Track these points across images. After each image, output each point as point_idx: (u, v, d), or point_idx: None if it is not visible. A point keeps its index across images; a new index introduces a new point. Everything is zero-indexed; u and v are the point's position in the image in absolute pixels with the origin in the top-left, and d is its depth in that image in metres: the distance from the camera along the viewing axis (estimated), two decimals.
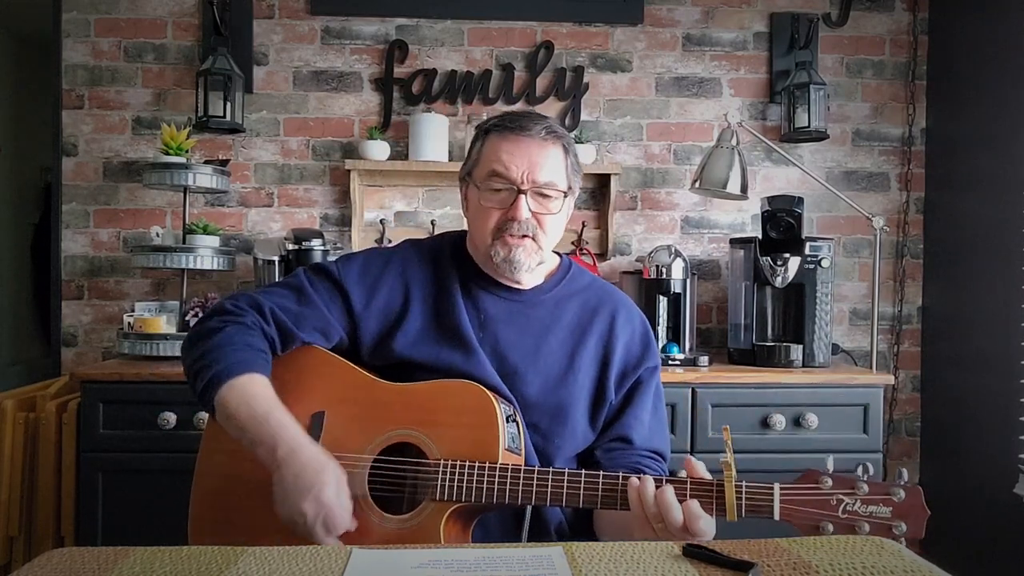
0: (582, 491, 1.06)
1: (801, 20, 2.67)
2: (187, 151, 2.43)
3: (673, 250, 2.37)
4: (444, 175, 2.57)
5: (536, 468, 1.09)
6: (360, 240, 2.60)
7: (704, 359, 2.30)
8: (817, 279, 2.31)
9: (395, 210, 2.67)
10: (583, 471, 1.08)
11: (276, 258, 2.34)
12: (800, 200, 2.38)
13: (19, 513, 2.18)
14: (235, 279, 2.62)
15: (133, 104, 2.63)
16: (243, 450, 1.15)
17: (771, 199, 2.41)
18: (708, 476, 1.05)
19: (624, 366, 1.27)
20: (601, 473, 1.07)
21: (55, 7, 2.61)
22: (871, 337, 2.45)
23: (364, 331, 1.24)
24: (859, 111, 2.74)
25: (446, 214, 2.66)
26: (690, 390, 2.15)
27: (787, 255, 2.29)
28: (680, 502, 1.00)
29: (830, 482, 0.98)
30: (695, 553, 0.88)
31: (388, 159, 2.54)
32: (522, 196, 1.20)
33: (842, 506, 0.97)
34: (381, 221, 2.61)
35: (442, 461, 1.10)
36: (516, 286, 1.28)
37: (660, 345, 2.33)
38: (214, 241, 2.44)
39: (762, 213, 2.41)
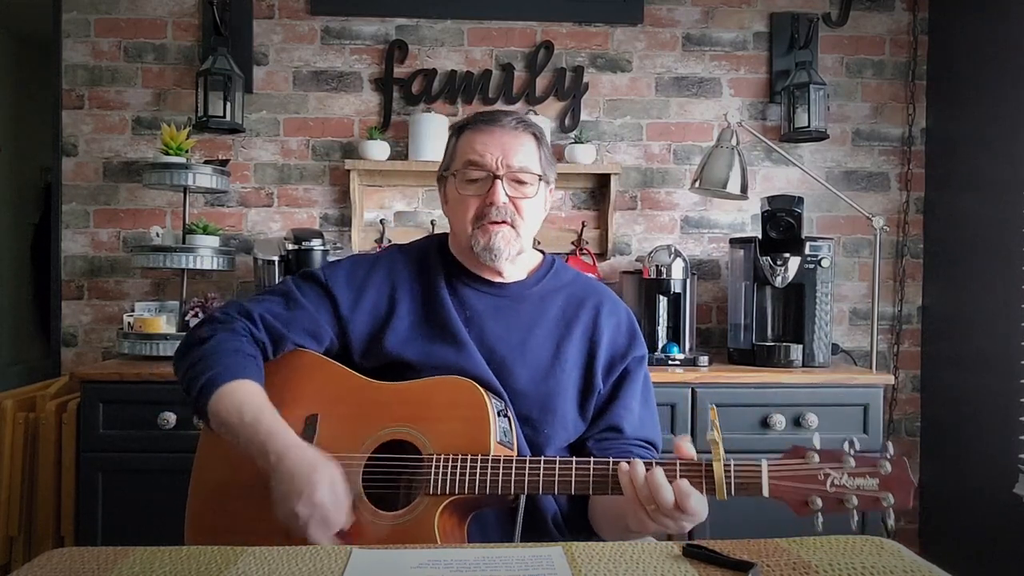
0: (573, 477, 1.07)
1: (801, 20, 2.67)
2: (187, 151, 2.43)
3: (673, 250, 2.37)
4: None
5: (528, 457, 1.10)
6: (360, 240, 2.60)
7: (704, 359, 2.30)
8: (817, 279, 2.31)
9: (395, 210, 2.67)
10: (574, 458, 1.09)
11: (276, 258, 2.33)
12: (800, 200, 2.38)
13: (19, 513, 2.18)
14: (235, 279, 2.62)
15: (133, 104, 2.63)
16: (238, 454, 1.16)
17: (771, 199, 2.41)
18: (695, 455, 1.06)
19: (611, 357, 1.28)
20: (592, 459, 1.08)
21: (55, 7, 2.61)
22: (871, 337, 2.45)
23: (353, 333, 1.26)
24: (859, 111, 2.74)
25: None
26: (690, 390, 2.15)
27: (787, 255, 2.29)
28: (670, 482, 1.01)
29: (817, 457, 0.99)
30: (695, 553, 0.88)
31: (388, 159, 2.54)
32: (498, 181, 1.23)
33: (830, 480, 0.97)
34: (381, 221, 2.61)
35: (435, 456, 1.10)
36: (500, 281, 1.30)
37: (660, 345, 2.34)
38: (214, 241, 2.44)
39: (762, 213, 2.41)
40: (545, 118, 2.60)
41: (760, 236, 2.39)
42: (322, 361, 1.25)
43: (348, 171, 2.55)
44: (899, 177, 2.75)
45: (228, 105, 2.48)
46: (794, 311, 2.36)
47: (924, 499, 2.71)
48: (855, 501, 0.96)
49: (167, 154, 2.39)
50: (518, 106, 2.65)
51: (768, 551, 0.89)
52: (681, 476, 1.02)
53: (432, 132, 2.51)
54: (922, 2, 2.72)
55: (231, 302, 1.29)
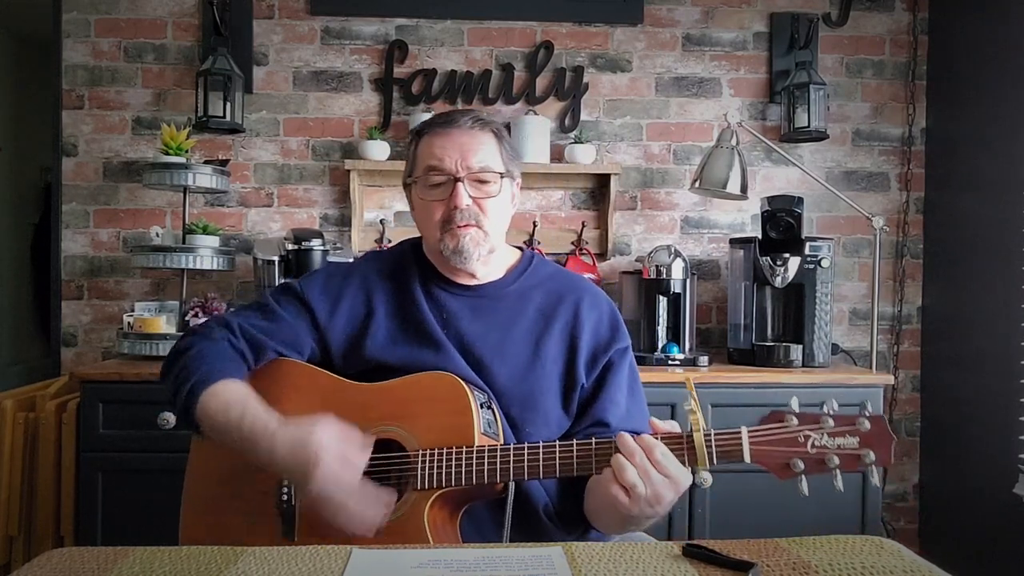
0: (557, 460, 1.07)
1: (801, 20, 2.67)
2: (187, 151, 2.43)
3: (673, 250, 2.37)
4: None
5: (511, 445, 1.10)
6: (360, 240, 2.61)
7: (704, 359, 2.30)
8: (817, 279, 2.31)
9: (395, 210, 2.67)
10: (557, 441, 1.10)
11: (276, 258, 2.33)
12: (800, 200, 2.38)
13: (19, 513, 2.18)
14: (235, 279, 2.62)
15: (133, 104, 2.63)
16: (228, 466, 1.17)
17: (771, 199, 2.41)
18: (677, 430, 1.06)
19: (593, 350, 1.27)
20: (575, 441, 1.09)
21: (55, 7, 2.61)
22: (871, 337, 2.45)
23: (332, 342, 1.27)
24: (859, 111, 2.74)
25: None
26: None
27: (787, 255, 2.30)
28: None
29: (796, 420, 0.99)
30: (695, 553, 0.88)
31: (388, 159, 2.54)
32: (460, 184, 1.22)
33: (810, 442, 0.98)
34: (381, 221, 2.61)
35: (420, 451, 1.11)
36: (474, 283, 1.30)
37: (660, 345, 2.34)
38: (214, 241, 2.44)
39: (762, 213, 2.41)
40: (545, 118, 2.60)
41: (760, 236, 2.39)
42: (303, 368, 1.25)
43: (348, 171, 2.55)
44: (899, 177, 2.75)
45: (228, 105, 2.48)
46: (794, 311, 2.36)
47: (924, 499, 2.71)
48: (836, 460, 0.97)
49: (167, 154, 2.39)
50: (518, 106, 2.65)
51: (768, 551, 0.89)
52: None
53: None
54: (922, 2, 2.72)
55: (211, 317, 1.31)
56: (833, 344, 2.48)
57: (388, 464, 1.14)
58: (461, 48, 2.67)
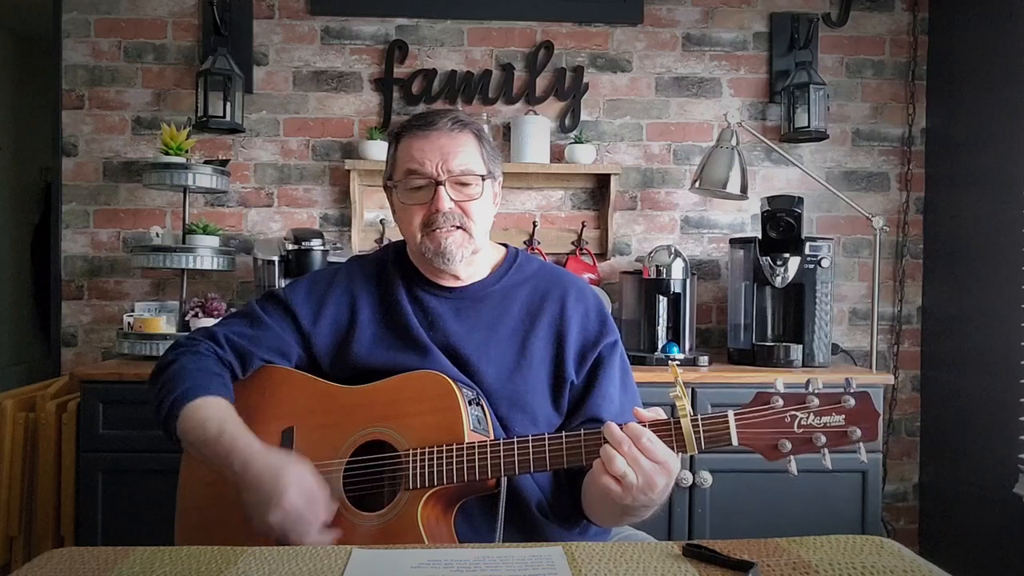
0: (547, 453, 1.07)
1: (801, 20, 2.67)
2: (187, 151, 2.43)
3: (673, 250, 2.37)
4: None
5: (501, 440, 1.10)
6: (360, 240, 2.60)
7: (704, 359, 2.30)
8: (817, 279, 2.31)
9: None
10: (546, 434, 1.09)
11: (276, 258, 2.33)
12: (800, 200, 2.38)
13: (19, 513, 2.18)
14: (235, 279, 2.62)
15: (133, 104, 2.63)
16: (220, 474, 1.17)
17: (771, 199, 2.41)
18: (663, 416, 1.06)
19: (582, 345, 1.27)
20: (564, 433, 1.08)
21: (55, 7, 2.61)
22: (871, 337, 2.45)
23: (318, 347, 1.27)
24: (859, 111, 2.74)
25: None
26: (690, 390, 2.15)
27: (787, 255, 2.30)
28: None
29: (781, 401, 1.00)
30: (695, 553, 0.88)
31: None
32: (441, 187, 1.22)
33: (796, 422, 0.98)
34: (381, 221, 2.61)
35: (411, 451, 1.11)
36: (458, 284, 1.29)
37: (660, 345, 2.33)
38: (214, 241, 2.44)
39: (762, 213, 2.41)
40: (545, 118, 2.60)
41: (760, 236, 2.39)
42: (291, 374, 1.26)
43: (348, 171, 2.55)
44: (899, 177, 2.75)
45: (228, 105, 2.48)
46: (794, 311, 2.36)
47: (924, 499, 2.71)
48: (823, 439, 0.97)
49: (167, 154, 2.39)
50: (518, 106, 2.65)
51: (768, 551, 0.89)
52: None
53: None
54: (922, 2, 2.72)
55: (196, 329, 1.32)
56: (833, 344, 2.48)
57: (379, 465, 1.14)
58: (461, 48, 2.67)
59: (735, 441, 1.00)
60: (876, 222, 2.39)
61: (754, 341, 2.34)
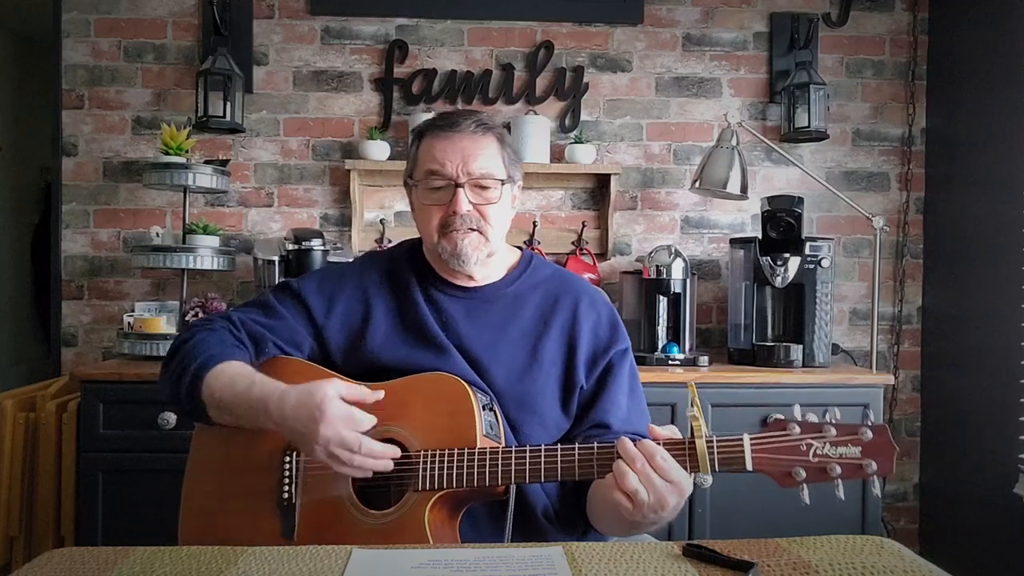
0: (559, 464, 1.07)
1: (801, 20, 2.67)
2: (187, 151, 2.43)
3: (673, 250, 2.37)
4: None
5: (513, 448, 1.10)
6: (360, 240, 2.60)
7: (704, 359, 2.30)
8: (817, 279, 2.31)
9: (395, 210, 2.67)
10: (559, 445, 1.09)
11: (276, 258, 2.33)
12: (800, 200, 2.38)
13: (19, 513, 2.18)
14: (235, 279, 2.62)
15: (133, 104, 2.63)
16: (228, 465, 1.17)
17: (771, 199, 2.41)
18: (677, 435, 1.05)
19: (592, 351, 1.27)
20: (576, 445, 1.08)
21: (55, 7, 2.61)
22: (871, 337, 2.45)
23: (330, 340, 1.27)
24: (859, 111, 2.74)
25: None
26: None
27: (787, 255, 2.29)
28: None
29: (798, 428, 0.99)
30: (695, 553, 0.88)
31: (388, 159, 2.54)
32: (460, 190, 1.22)
33: (812, 450, 0.98)
34: (381, 221, 2.61)
35: (421, 452, 1.11)
36: (472, 284, 1.30)
37: (660, 345, 2.33)
38: (214, 241, 2.44)
39: (762, 213, 2.41)
40: (545, 118, 2.60)
41: (760, 236, 2.39)
42: (305, 366, 1.25)
43: (348, 171, 2.55)
44: (899, 177, 2.75)
45: (228, 105, 2.48)
46: (794, 311, 2.36)
47: (924, 499, 2.71)
48: (838, 470, 0.97)
49: (167, 154, 2.39)
50: (518, 106, 2.65)
51: (768, 551, 0.90)
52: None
53: None
54: (922, 2, 2.72)
55: (211, 313, 1.31)
56: (833, 344, 2.48)
57: None
58: (461, 48, 2.67)
59: (749, 466, 0.99)
60: (876, 222, 2.39)
61: (754, 341, 2.34)
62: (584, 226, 2.62)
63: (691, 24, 2.71)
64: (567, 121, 2.67)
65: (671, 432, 1.05)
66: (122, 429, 2.09)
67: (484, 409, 1.15)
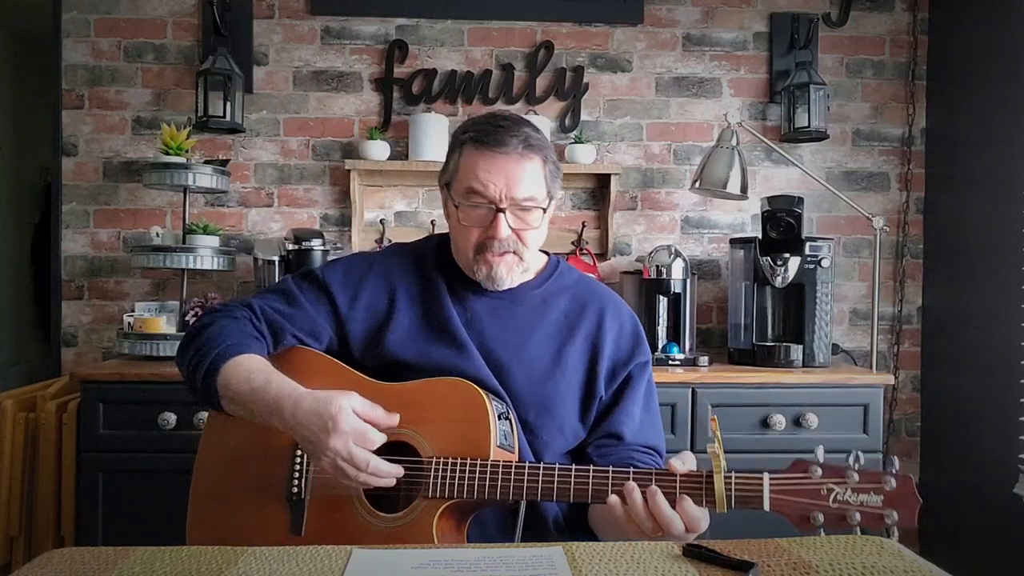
0: (572, 486, 1.06)
1: (801, 20, 2.67)
2: (187, 151, 2.43)
3: (673, 250, 2.37)
4: None
5: (527, 464, 1.09)
6: (360, 240, 2.60)
7: (704, 359, 2.30)
8: (817, 279, 2.31)
9: (395, 210, 2.67)
10: (573, 466, 1.08)
11: (276, 258, 2.34)
12: (800, 200, 2.38)
13: (19, 513, 2.18)
14: (235, 279, 2.62)
15: (133, 104, 2.63)
16: (240, 454, 1.16)
17: (771, 199, 2.41)
18: (694, 468, 1.05)
19: (614, 362, 1.27)
20: (591, 468, 1.07)
21: (55, 7, 2.61)
22: (871, 337, 2.45)
23: (352, 331, 1.25)
24: (859, 111, 2.74)
25: None
26: (690, 390, 2.14)
27: (787, 255, 2.29)
28: (672, 503, 1.00)
29: (820, 471, 0.97)
30: (695, 553, 0.88)
31: (388, 159, 2.54)
32: (501, 215, 1.19)
33: (832, 495, 0.96)
34: (381, 221, 2.61)
35: (434, 459, 1.10)
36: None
37: (660, 345, 2.33)
38: (214, 241, 2.44)
39: (762, 213, 2.41)
40: (545, 118, 2.60)
41: (760, 236, 2.39)
42: (323, 359, 1.24)
43: (348, 171, 2.55)
44: (899, 177, 2.75)
45: (228, 105, 2.48)
46: (794, 311, 2.36)
47: (924, 499, 2.71)
48: (858, 517, 0.94)
49: (167, 154, 2.39)
50: (518, 106, 2.65)
51: (768, 551, 0.89)
52: (681, 490, 1.01)
53: (432, 132, 2.51)
54: (922, 2, 2.72)
55: (232, 299, 1.30)
56: (833, 344, 2.48)
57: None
58: (461, 48, 2.67)
59: (767, 506, 0.97)
60: (876, 222, 2.39)
61: (754, 341, 2.34)
62: (584, 226, 2.62)
63: (691, 24, 2.70)
64: (567, 121, 2.67)
65: (687, 462, 1.04)
66: (122, 429, 2.09)
67: (500, 418, 1.13)
